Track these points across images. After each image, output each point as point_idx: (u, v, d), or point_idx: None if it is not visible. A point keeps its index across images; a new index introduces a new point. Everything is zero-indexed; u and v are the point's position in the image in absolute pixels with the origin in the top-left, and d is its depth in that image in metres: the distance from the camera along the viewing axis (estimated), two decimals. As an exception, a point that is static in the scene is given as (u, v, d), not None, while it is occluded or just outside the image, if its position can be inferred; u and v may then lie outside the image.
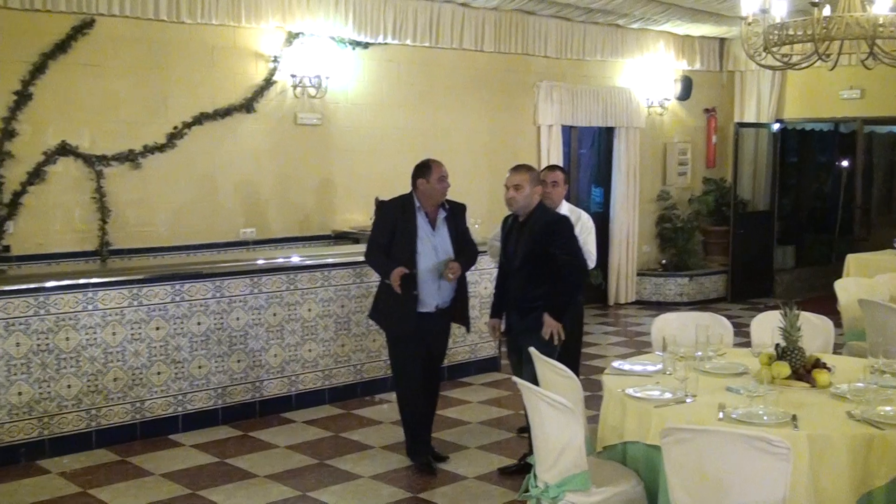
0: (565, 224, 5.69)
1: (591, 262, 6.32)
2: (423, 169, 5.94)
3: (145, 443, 6.54)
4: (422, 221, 5.92)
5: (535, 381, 4.56)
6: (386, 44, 9.55)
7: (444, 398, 7.67)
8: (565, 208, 6.34)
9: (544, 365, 4.72)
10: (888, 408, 3.97)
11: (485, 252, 6.87)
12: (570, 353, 6.10)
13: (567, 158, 11.66)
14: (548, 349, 5.22)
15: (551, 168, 6.57)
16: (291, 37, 8.89)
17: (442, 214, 6.00)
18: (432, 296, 5.92)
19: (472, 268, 6.30)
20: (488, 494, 5.59)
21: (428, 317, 5.94)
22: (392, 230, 5.91)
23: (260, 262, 7.32)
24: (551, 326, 5.51)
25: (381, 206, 6.09)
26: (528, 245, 5.60)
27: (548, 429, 4.07)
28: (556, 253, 5.52)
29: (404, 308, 5.87)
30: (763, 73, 12.96)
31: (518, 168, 5.70)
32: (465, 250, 6.09)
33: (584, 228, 6.31)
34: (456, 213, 6.12)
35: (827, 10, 5.96)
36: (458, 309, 6.14)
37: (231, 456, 6.30)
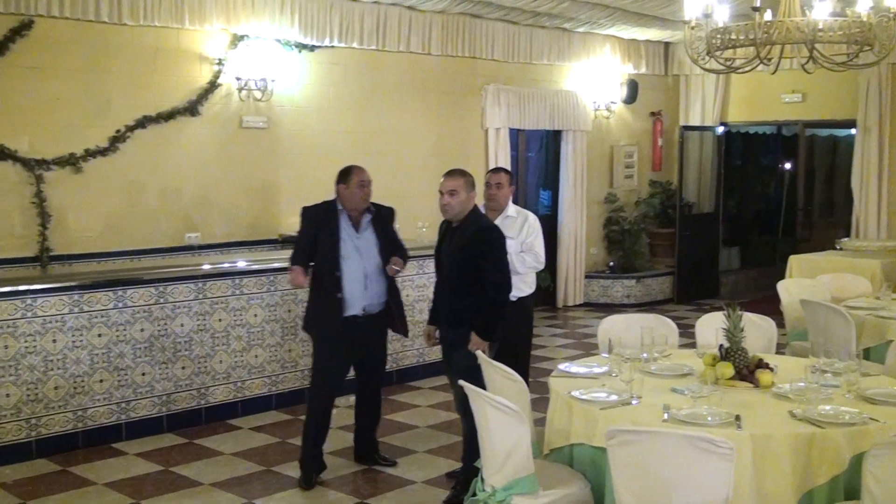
0: (497, 235, 5.47)
1: (540, 263, 6.34)
2: (343, 174, 5.98)
3: (88, 452, 6.43)
4: (345, 224, 5.89)
5: (463, 393, 4.48)
6: (332, 47, 9.51)
7: (392, 402, 7.66)
8: (512, 210, 6.34)
9: (491, 368, 4.72)
10: (828, 407, 4.04)
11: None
12: (521, 358, 6.12)
13: (515, 161, 11.71)
14: (473, 366, 4.95)
15: (495, 171, 6.49)
16: (236, 39, 8.81)
17: (367, 217, 5.98)
18: (358, 298, 5.86)
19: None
20: (436, 499, 5.58)
21: (355, 322, 5.86)
22: (315, 234, 5.89)
23: (205, 266, 7.24)
24: (477, 346, 5.28)
25: (304, 211, 6.00)
26: (458, 252, 5.45)
27: (494, 432, 4.07)
28: (486, 268, 5.33)
29: (330, 311, 5.82)
30: (707, 77, 13.14)
31: (452, 173, 5.50)
32: (396, 254, 6.03)
33: (532, 229, 6.31)
34: (383, 217, 6.08)
35: (768, 15, 6.07)
36: (393, 316, 6.08)
37: (176, 464, 6.22)
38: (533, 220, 6.38)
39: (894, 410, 4.11)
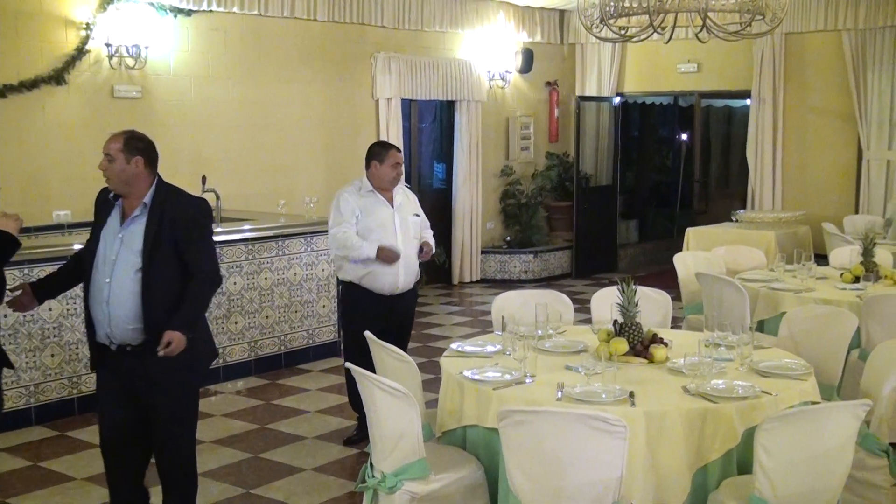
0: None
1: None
2: (378, 150, 6.07)
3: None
4: (114, 213, 4.43)
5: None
6: (211, 11, 9.27)
7: (279, 386, 7.59)
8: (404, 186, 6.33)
9: (381, 349, 4.70)
10: (721, 381, 4.15)
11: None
12: (402, 336, 6.17)
13: (407, 133, 11.66)
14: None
15: (397, 148, 6.17)
16: (106, 2, 8.49)
17: (140, 209, 4.37)
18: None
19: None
20: (325, 486, 5.54)
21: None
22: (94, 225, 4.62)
23: (76, 247, 6.97)
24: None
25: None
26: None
27: (383, 416, 4.05)
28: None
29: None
30: (603, 46, 13.31)
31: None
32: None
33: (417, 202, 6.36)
34: (167, 206, 4.41)
35: (661, -18, 6.14)
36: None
37: (46, 458, 6.03)
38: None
39: (786, 383, 4.25)
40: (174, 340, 4.15)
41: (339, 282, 6.33)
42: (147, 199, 4.32)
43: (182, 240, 4.29)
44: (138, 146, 4.35)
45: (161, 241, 4.25)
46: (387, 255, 5.89)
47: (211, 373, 7.60)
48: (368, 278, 5.98)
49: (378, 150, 6.09)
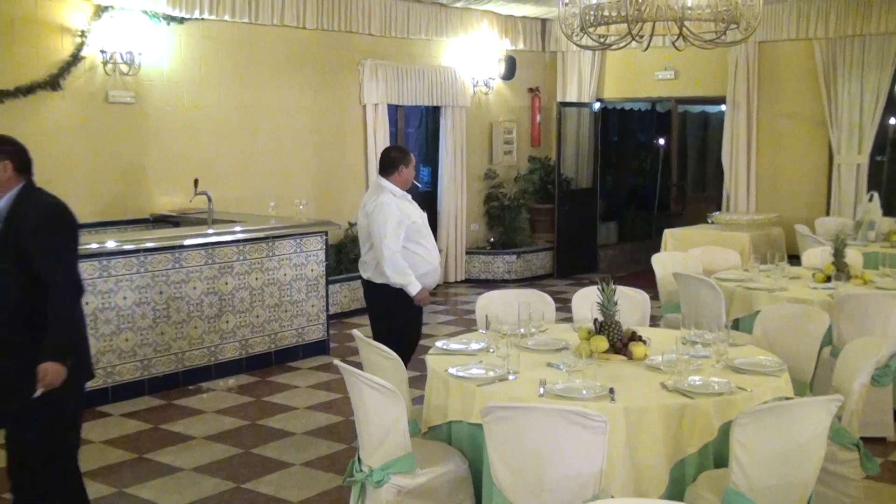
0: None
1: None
2: (404, 156, 6.11)
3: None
4: None
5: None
6: (202, 19, 9.24)
7: (270, 384, 7.56)
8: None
9: (367, 346, 4.69)
10: (697, 378, 4.16)
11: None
12: (411, 339, 6.15)
13: (394, 138, 11.64)
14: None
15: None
16: (100, 10, 8.46)
17: None
18: None
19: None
20: (315, 481, 5.52)
21: None
22: None
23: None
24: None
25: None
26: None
27: (370, 412, 4.04)
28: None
29: None
30: (583, 54, 13.33)
31: None
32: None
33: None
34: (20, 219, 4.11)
35: (640, -8, 6.15)
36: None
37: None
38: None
39: (760, 379, 4.26)
40: (48, 373, 3.82)
41: (375, 284, 6.02)
42: (2, 204, 4.01)
43: (32, 249, 3.94)
44: (6, 150, 4.06)
45: (8, 250, 3.94)
46: (424, 298, 5.98)
47: (202, 371, 7.59)
48: (421, 280, 5.97)
49: (402, 155, 6.12)
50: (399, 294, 5.89)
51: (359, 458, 4.21)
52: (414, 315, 6.08)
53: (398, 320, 6.00)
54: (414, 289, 5.86)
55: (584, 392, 3.97)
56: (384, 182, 6.02)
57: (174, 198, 9.10)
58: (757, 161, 12.20)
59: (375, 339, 6.11)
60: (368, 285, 6.08)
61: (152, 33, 8.87)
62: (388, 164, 6.06)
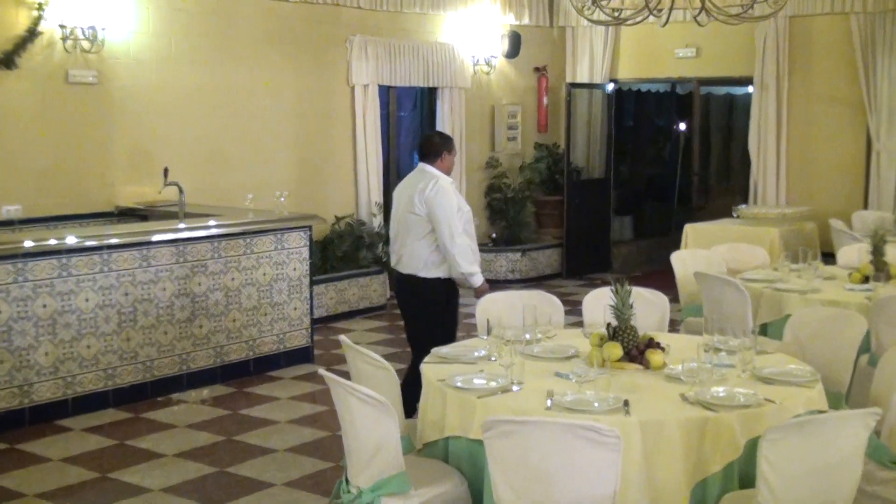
0: None
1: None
2: (448, 142, 6.32)
3: None
4: None
5: None
6: (173, -10, 9.25)
7: (248, 395, 7.57)
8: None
9: (356, 355, 4.69)
10: (721, 389, 4.16)
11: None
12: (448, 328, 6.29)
13: (385, 122, 11.65)
14: None
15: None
16: (59, -20, 8.47)
17: None
18: None
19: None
20: (297, 503, 5.53)
21: None
22: None
23: (26, 244, 6.95)
24: None
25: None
26: None
27: (359, 427, 4.05)
28: None
29: None
30: (595, 30, 13.32)
31: None
32: None
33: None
34: None
35: (658, -39, 6.16)
36: None
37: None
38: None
39: (790, 391, 4.26)
40: None
41: (422, 279, 6.17)
42: None
43: None
44: None
45: None
46: (487, 290, 6.15)
47: (173, 381, 7.59)
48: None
49: (446, 141, 6.33)
50: (450, 287, 6.14)
51: (346, 478, 4.21)
52: (455, 310, 6.34)
53: (448, 318, 6.24)
54: (479, 279, 6.10)
55: (596, 405, 3.97)
56: (430, 168, 6.23)
57: (141, 188, 9.09)
58: (787, 149, 12.21)
59: (415, 341, 6.23)
60: (413, 280, 6.20)
61: (117, 6, 8.85)
62: (431, 151, 6.27)
